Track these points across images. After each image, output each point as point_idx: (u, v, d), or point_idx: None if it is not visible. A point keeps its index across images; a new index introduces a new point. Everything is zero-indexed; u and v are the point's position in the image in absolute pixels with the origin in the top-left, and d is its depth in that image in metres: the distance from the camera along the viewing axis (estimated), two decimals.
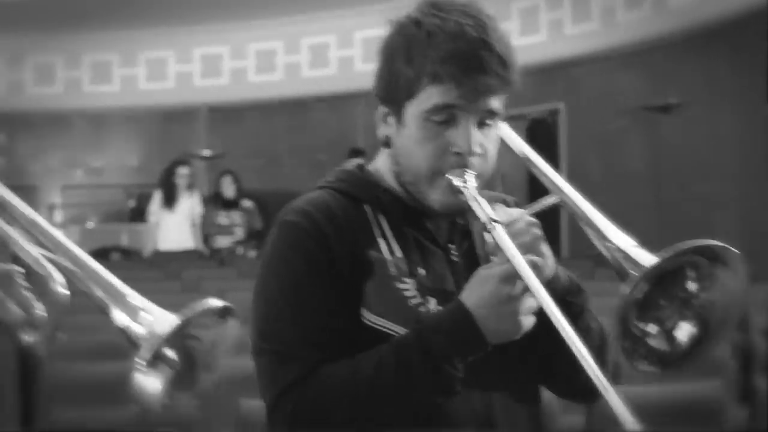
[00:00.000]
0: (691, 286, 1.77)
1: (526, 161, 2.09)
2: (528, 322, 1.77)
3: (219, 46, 15.69)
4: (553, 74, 12.47)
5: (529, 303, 1.75)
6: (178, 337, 1.60)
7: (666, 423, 4.21)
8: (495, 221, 1.84)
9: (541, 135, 12.35)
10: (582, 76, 12.46)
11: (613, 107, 12.01)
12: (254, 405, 3.87)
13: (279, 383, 1.84)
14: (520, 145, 2.11)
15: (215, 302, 1.64)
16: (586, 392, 1.98)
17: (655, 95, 11.42)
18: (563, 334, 1.66)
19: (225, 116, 15.75)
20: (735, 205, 10.57)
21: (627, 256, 1.74)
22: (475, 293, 1.78)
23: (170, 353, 1.63)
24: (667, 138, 11.38)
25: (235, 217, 11.36)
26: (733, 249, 1.73)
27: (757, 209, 10.42)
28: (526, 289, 1.73)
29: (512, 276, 1.74)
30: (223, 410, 4.44)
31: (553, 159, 12.19)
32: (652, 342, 1.77)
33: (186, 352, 1.66)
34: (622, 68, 11.95)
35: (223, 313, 1.67)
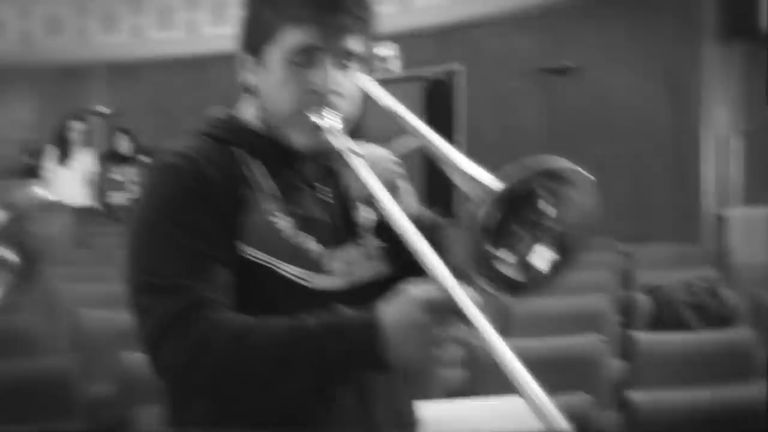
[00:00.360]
0: (544, 208, 1.78)
1: (388, 111, 2.13)
2: (440, 355, 1.73)
3: (117, 2, 15.46)
4: (451, 36, 12.52)
5: (446, 334, 1.71)
6: (7, 233, 1.57)
7: (547, 373, 4.29)
8: (353, 152, 1.91)
9: (439, 96, 12.40)
10: (480, 38, 12.50)
11: (510, 69, 12.10)
12: (135, 358, 3.87)
13: (162, 314, 1.82)
14: (381, 94, 2.15)
15: (40, 192, 1.61)
16: None
17: (552, 58, 11.54)
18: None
19: (123, 73, 15.55)
20: (628, 166, 10.75)
21: (483, 187, 1.73)
22: (393, 311, 1.74)
23: (2, 250, 1.60)
24: (563, 100, 11.51)
25: (131, 173, 11.26)
26: (579, 168, 1.73)
27: (648, 171, 10.62)
28: (450, 318, 1.68)
29: (436, 305, 1.69)
30: (105, 364, 4.43)
31: (450, 120, 12.28)
32: (505, 268, 1.78)
33: (20, 248, 1.63)
34: (520, 31, 12.03)
35: (52, 207, 1.64)
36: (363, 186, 1.90)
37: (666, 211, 10.42)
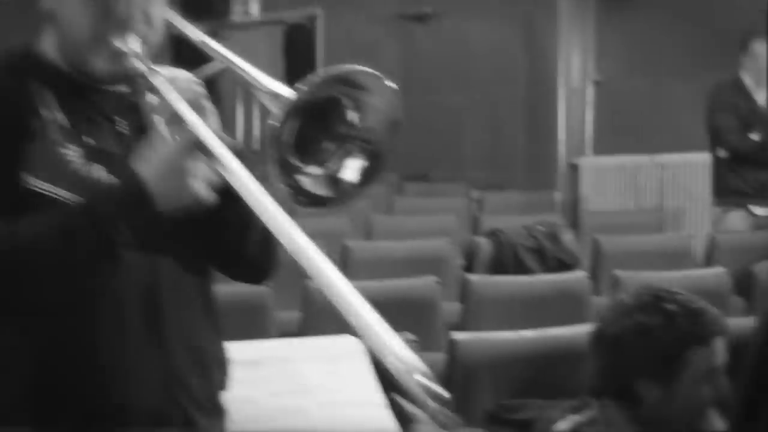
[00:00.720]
0: (350, 119, 1.78)
1: (192, 41, 2.11)
2: (203, 191, 1.80)
3: None
4: None
5: (205, 172, 1.79)
6: None
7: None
8: (157, 73, 1.91)
9: (298, 40, 12.31)
10: None
11: (369, 14, 12.05)
12: None
13: None
14: (183, 24, 2.13)
15: None
16: (252, 273, 2.04)
17: (411, 4, 11.53)
18: (246, 196, 1.69)
19: None
20: (484, 115, 10.84)
21: (282, 99, 1.71)
22: (149, 159, 1.81)
23: None
24: (421, 47, 11.51)
25: None
26: (374, 72, 1.73)
27: (504, 120, 10.73)
28: (206, 159, 1.78)
29: (191, 146, 1.78)
30: None
31: (309, 64, 12.20)
32: (313, 183, 1.78)
33: None
34: None
35: None
36: (168, 106, 1.88)
37: (521, 159, 10.55)
